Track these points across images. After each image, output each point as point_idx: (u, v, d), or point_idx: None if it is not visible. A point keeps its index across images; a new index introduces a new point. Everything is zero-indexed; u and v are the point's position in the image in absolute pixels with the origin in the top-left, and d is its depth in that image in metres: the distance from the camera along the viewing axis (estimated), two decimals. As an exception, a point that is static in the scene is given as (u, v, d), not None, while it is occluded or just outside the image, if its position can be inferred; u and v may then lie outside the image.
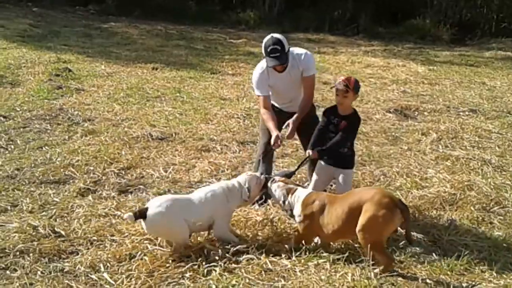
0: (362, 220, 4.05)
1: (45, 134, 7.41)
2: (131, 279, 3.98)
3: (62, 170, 6.08)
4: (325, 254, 4.28)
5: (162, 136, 7.41)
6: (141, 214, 4.22)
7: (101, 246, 4.48)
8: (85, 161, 6.32)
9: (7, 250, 4.30)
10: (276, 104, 5.54)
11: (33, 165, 6.24)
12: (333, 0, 21.96)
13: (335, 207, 4.28)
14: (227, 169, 6.37)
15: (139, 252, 4.33)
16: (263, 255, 4.28)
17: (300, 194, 4.54)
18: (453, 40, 20.29)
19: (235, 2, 24.43)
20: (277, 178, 4.81)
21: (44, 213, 5.05)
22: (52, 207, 5.18)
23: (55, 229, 4.66)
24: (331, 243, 4.53)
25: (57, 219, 4.93)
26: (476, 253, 4.49)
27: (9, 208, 5.13)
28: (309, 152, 4.89)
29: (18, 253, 4.28)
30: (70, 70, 11.16)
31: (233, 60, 14.43)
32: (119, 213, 4.96)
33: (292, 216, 4.59)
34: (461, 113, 9.46)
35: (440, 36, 20.69)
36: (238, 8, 23.70)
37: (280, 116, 5.36)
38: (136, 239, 4.55)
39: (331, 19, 21.31)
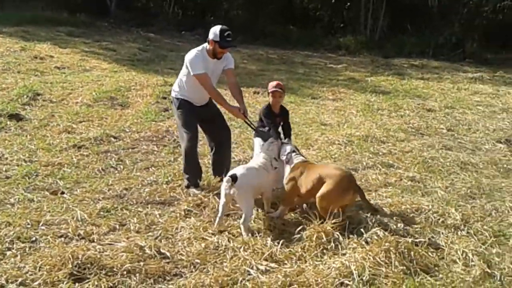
0: (321, 190, 5.19)
1: (152, 155, 7.67)
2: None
3: (167, 191, 6.26)
4: None
5: (263, 161, 7.40)
6: (233, 179, 5.16)
7: (204, 270, 4.55)
8: (189, 184, 6.45)
9: (115, 269, 4.44)
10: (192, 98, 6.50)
11: (140, 185, 6.47)
12: (438, 25, 21.30)
13: (311, 172, 5.42)
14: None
15: (241, 278, 4.35)
16: None
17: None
18: None
19: (336, 27, 24.38)
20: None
21: (150, 233, 5.21)
22: (157, 228, 5.33)
23: (161, 250, 4.78)
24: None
25: (162, 240, 5.07)
26: None
27: (117, 227, 5.32)
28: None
29: (125, 272, 4.42)
30: (175, 93, 11.50)
31: (334, 85, 14.31)
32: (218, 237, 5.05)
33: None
34: None
35: (556, 63, 19.43)
36: (338, 33, 23.61)
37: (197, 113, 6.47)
38: (235, 264, 4.60)
39: (435, 44, 20.63)
